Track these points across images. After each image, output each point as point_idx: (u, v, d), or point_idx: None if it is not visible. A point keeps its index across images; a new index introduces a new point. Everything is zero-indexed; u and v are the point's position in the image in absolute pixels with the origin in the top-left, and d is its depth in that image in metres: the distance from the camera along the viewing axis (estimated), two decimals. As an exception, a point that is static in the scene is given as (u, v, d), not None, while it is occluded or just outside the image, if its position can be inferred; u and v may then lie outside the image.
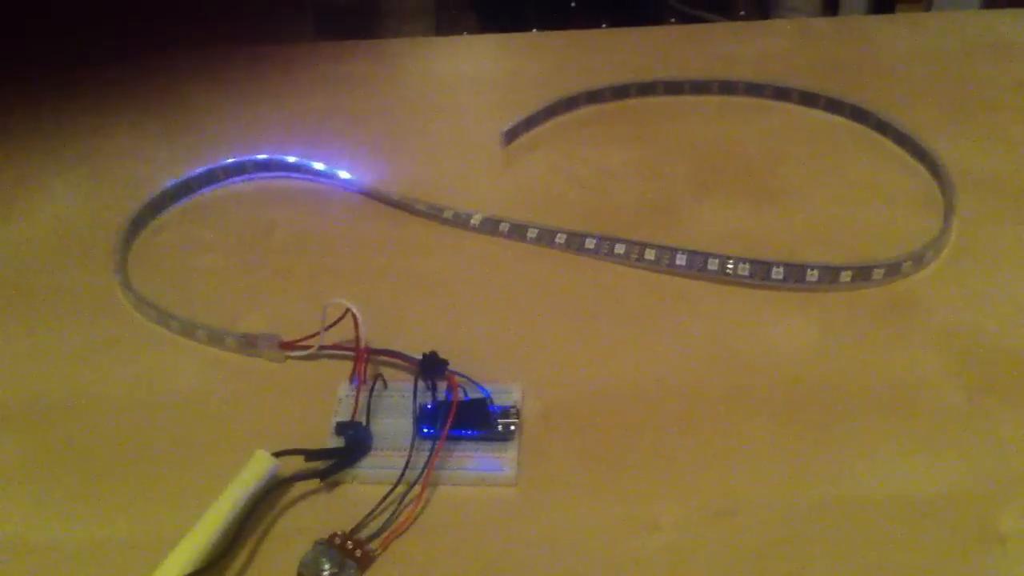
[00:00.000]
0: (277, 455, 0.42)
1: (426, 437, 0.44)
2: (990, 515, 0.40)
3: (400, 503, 0.41)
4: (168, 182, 0.60)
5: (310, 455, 0.43)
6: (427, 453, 0.42)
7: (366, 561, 0.39)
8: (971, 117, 0.63)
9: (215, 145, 0.64)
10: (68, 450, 0.45)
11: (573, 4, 1.09)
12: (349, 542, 0.40)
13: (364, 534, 0.40)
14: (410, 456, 0.43)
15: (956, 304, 0.50)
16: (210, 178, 0.61)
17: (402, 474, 0.42)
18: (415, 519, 0.41)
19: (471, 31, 1.09)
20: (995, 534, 0.40)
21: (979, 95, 0.65)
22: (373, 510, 0.41)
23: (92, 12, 0.82)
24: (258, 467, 0.41)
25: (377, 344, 0.48)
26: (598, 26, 1.03)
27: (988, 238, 0.54)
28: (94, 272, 0.55)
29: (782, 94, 0.65)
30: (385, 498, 0.42)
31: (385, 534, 0.40)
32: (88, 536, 0.41)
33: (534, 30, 1.04)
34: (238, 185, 0.61)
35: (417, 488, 0.42)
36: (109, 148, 0.65)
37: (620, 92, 0.66)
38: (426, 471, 0.42)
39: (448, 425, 0.43)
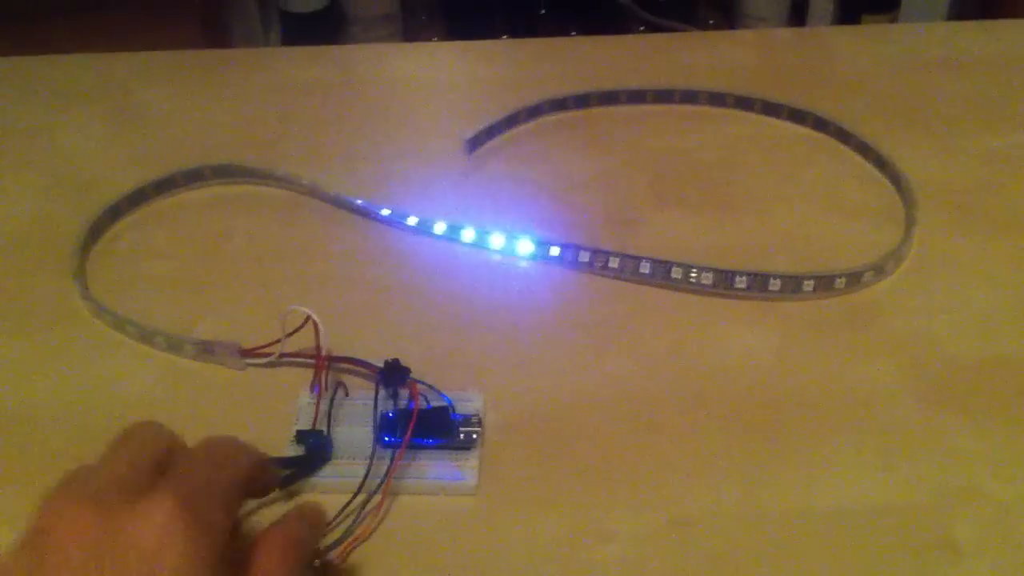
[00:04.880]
0: (236, 464, 0.42)
1: (387, 446, 0.43)
2: (944, 524, 0.41)
3: (361, 512, 0.41)
4: (125, 188, 0.59)
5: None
6: (388, 462, 0.42)
7: (326, 571, 0.39)
8: (930, 129, 0.64)
9: (172, 150, 0.63)
10: (22, 457, 0.45)
11: (543, 12, 1.08)
12: (308, 552, 0.39)
13: (324, 543, 0.40)
14: (371, 465, 0.42)
15: (914, 314, 0.51)
16: (168, 184, 0.60)
17: (362, 483, 0.42)
18: (375, 528, 0.41)
19: (440, 39, 1.08)
20: (949, 543, 0.40)
21: (939, 107, 0.66)
22: (333, 519, 0.41)
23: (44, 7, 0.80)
24: (216, 476, 0.41)
25: (338, 352, 0.47)
26: (567, 34, 1.03)
27: (946, 249, 0.55)
28: (51, 277, 0.54)
29: (744, 103, 0.66)
30: (345, 507, 0.41)
31: (345, 543, 0.40)
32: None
33: (504, 37, 1.04)
34: (196, 191, 0.61)
35: (378, 497, 0.42)
36: (63, 150, 0.65)
37: (583, 101, 0.66)
38: (387, 480, 0.42)
39: (409, 433, 0.43)
